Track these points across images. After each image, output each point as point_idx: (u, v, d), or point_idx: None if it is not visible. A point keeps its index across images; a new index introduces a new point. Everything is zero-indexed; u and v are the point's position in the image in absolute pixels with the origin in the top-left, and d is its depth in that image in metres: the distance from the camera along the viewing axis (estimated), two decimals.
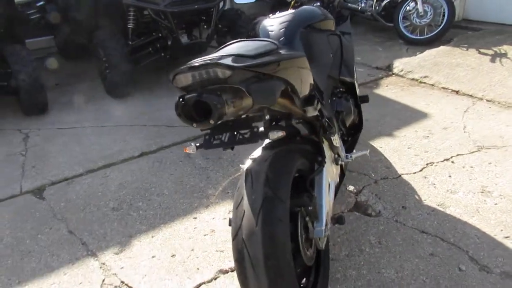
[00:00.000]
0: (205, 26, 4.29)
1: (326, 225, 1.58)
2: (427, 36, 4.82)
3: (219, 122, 1.11)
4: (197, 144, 1.35)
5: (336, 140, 1.82)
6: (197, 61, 1.15)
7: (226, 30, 4.42)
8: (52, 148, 3.18)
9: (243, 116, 1.29)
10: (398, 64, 4.29)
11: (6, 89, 3.56)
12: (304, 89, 1.45)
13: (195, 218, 2.30)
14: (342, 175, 2.07)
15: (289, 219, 1.48)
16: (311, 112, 1.56)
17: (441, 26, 4.73)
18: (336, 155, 1.91)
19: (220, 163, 2.81)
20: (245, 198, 1.37)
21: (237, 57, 1.18)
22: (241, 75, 1.13)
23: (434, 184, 2.42)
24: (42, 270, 2.00)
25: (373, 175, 2.54)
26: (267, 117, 1.84)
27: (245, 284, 1.35)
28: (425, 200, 2.29)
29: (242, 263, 1.33)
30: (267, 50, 1.29)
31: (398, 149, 2.81)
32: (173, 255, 2.04)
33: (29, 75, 3.51)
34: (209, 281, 1.88)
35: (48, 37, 5.36)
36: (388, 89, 3.87)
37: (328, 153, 1.83)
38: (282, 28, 1.87)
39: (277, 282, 1.31)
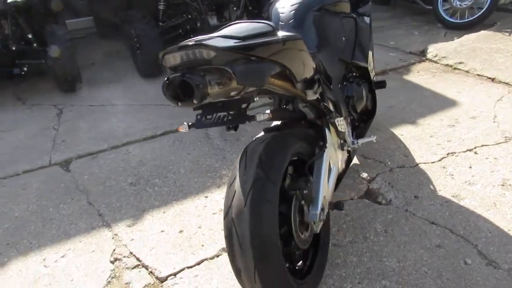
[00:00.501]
0: (235, 8, 4.29)
1: (322, 209, 1.58)
2: (468, 19, 4.54)
3: (203, 102, 1.13)
4: (189, 124, 1.38)
5: (342, 125, 1.79)
6: (187, 42, 1.17)
7: (256, 12, 4.39)
8: (83, 124, 3.35)
9: (235, 97, 1.30)
10: (433, 49, 4.10)
11: (43, 67, 3.77)
12: (302, 72, 1.44)
13: (206, 197, 2.36)
14: (349, 161, 2.04)
15: (284, 201, 1.50)
16: (311, 95, 1.55)
17: (483, 9, 4.43)
18: (342, 141, 1.88)
19: (237, 144, 2.85)
20: (238, 178, 1.39)
21: (225, 38, 1.19)
22: (227, 56, 1.14)
23: (452, 174, 2.33)
24: (60, 236, 2.15)
25: (389, 163, 2.49)
26: (276, 100, 1.85)
27: (234, 261, 1.39)
28: (439, 190, 2.22)
29: (231, 241, 1.37)
30: (260, 32, 1.29)
31: (419, 137, 2.72)
32: (181, 231, 2.12)
33: (64, 54, 3.69)
34: (212, 258, 1.94)
35: (88, 17, 5.58)
36: (419, 75, 3.72)
37: (333, 138, 1.81)
38: (293, 10, 1.86)
39: (263, 261, 1.34)
